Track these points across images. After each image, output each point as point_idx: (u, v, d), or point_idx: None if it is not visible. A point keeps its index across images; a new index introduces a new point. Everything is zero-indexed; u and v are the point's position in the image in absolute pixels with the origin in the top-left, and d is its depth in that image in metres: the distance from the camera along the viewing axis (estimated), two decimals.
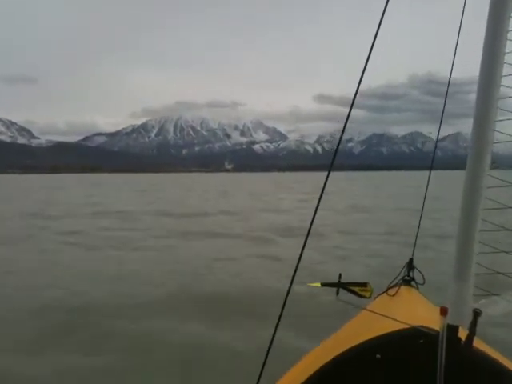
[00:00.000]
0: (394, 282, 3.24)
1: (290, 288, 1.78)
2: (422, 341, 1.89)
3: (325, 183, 1.81)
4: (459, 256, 1.84)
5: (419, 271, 3.46)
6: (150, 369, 5.72)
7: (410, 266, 3.52)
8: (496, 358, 1.95)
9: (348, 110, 2.00)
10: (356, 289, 2.03)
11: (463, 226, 1.84)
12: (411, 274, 3.46)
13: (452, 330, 1.82)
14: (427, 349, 1.84)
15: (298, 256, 1.79)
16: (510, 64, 1.77)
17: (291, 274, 1.74)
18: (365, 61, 2.01)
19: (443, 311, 1.75)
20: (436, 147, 4.11)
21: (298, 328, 6.32)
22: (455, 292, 1.85)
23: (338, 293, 1.96)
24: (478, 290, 1.83)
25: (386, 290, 3.09)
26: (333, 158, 2.02)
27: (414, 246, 3.81)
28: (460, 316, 1.82)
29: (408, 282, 3.39)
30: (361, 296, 2.03)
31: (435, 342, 1.79)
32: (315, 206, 1.74)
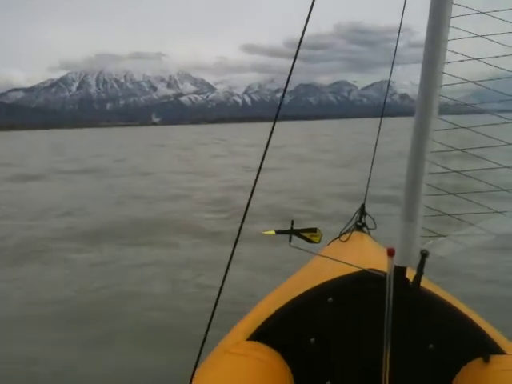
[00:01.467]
0: (347, 228, 3.30)
1: (235, 245, 1.71)
2: (372, 283, 1.91)
3: (269, 137, 1.73)
4: (407, 198, 1.85)
5: (371, 217, 3.55)
6: None
7: (362, 211, 3.60)
8: (443, 297, 2.01)
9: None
10: (307, 235, 2.03)
11: (411, 168, 1.84)
12: (363, 219, 3.54)
13: (400, 271, 1.84)
14: (377, 291, 1.86)
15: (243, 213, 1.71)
16: (459, 5, 1.73)
17: None
18: (308, 11, 1.90)
19: (390, 252, 1.76)
20: (387, 94, 4.10)
21: None
22: (403, 234, 1.86)
23: (290, 239, 1.96)
24: (425, 232, 1.85)
25: (339, 236, 3.15)
26: (277, 110, 1.94)
27: (366, 193, 3.87)
28: (408, 257, 1.85)
29: (360, 227, 3.47)
30: (311, 241, 2.04)
31: (384, 283, 1.81)
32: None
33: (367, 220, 3.53)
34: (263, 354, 1.96)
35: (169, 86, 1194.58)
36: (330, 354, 2.02)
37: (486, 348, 1.92)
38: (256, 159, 1.67)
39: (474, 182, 1.84)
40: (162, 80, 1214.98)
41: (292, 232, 1.98)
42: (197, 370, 1.72)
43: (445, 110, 1.83)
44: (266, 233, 2.03)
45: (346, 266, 2.03)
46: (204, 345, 1.63)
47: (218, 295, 1.66)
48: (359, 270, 1.98)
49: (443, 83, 1.80)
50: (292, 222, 2.01)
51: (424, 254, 1.82)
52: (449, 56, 1.80)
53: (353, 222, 3.44)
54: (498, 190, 1.81)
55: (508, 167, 1.79)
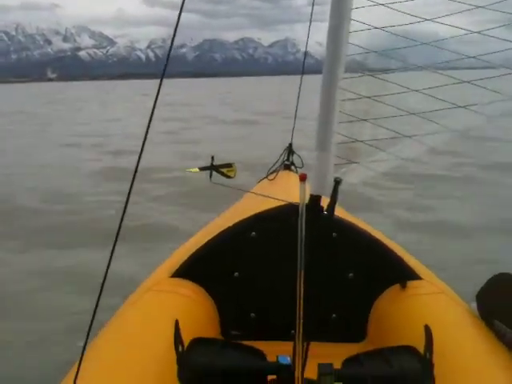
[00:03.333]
0: (274, 168, 3.29)
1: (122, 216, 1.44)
2: (291, 215, 1.91)
3: (157, 94, 1.59)
4: (320, 126, 1.82)
5: (298, 155, 3.55)
6: None
7: (290, 150, 3.59)
8: (357, 224, 2.05)
9: (178, 14, 1.77)
10: (224, 170, 1.99)
11: (323, 95, 1.81)
12: (291, 158, 3.55)
13: (314, 199, 1.83)
14: (296, 222, 1.86)
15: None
16: None
17: None
18: None
19: (302, 177, 1.71)
20: (306, 52, 4.02)
21: None
22: (317, 163, 1.84)
23: (211, 176, 1.93)
24: (339, 160, 1.84)
25: (267, 176, 3.13)
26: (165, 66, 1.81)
27: (293, 131, 3.85)
28: (323, 186, 1.84)
29: (288, 166, 3.47)
30: (227, 176, 2.00)
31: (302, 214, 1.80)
32: None
33: (295, 159, 3.56)
34: (187, 289, 1.94)
35: (65, 39, 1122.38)
36: (253, 287, 2.03)
37: (403, 274, 1.99)
38: None
39: (383, 107, 1.86)
40: (58, 33, 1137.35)
41: (212, 168, 1.95)
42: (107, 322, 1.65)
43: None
44: (189, 170, 2.02)
45: (270, 202, 2.03)
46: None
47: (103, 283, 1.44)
48: (283, 203, 1.98)
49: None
50: (212, 158, 1.97)
51: (337, 182, 1.81)
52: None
53: (280, 161, 3.44)
54: (407, 115, 1.83)
55: (417, 91, 1.81)
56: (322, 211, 1.86)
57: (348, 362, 1.40)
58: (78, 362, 1.23)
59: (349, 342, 2.00)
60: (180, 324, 1.42)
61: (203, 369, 1.26)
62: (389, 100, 1.85)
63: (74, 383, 1.17)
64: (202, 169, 1.98)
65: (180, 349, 1.29)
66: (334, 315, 2.02)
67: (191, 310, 1.85)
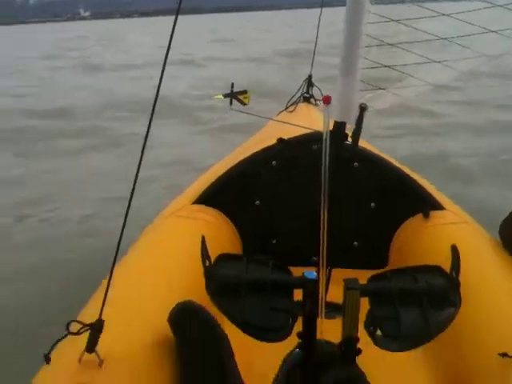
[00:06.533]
0: (294, 100, 3.25)
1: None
2: (313, 144, 1.90)
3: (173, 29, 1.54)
4: (345, 50, 1.77)
5: (318, 88, 3.49)
6: None
7: (309, 83, 3.53)
8: (380, 154, 2.04)
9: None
10: (241, 97, 2.01)
11: (349, 18, 1.74)
12: (310, 91, 3.50)
13: (338, 126, 1.80)
14: (318, 151, 1.85)
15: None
16: None
17: None
18: None
19: (326, 100, 1.64)
20: None
21: None
22: (342, 88, 1.80)
23: (231, 103, 1.95)
24: (365, 86, 1.80)
25: (286, 108, 3.10)
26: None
27: (312, 63, 3.76)
28: (347, 112, 1.80)
29: (307, 99, 3.43)
30: (243, 103, 2.02)
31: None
32: None
33: (315, 91, 3.51)
34: (209, 215, 1.98)
35: None
36: (274, 215, 2.06)
37: (426, 204, 1.99)
38: None
39: (412, 32, 1.78)
40: None
41: (232, 95, 1.97)
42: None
43: None
44: (215, 97, 2.05)
45: (290, 131, 2.04)
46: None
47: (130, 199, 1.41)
48: (305, 133, 1.98)
49: None
50: (232, 85, 1.98)
51: (362, 108, 1.77)
52: None
53: (299, 93, 3.40)
54: (437, 39, 1.76)
55: (447, 15, 1.73)
56: (347, 138, 1.84)
57: (374, 278, 1.42)
58: (107, 279, 1.27)
59: (370, 269, 2.04)
60: None
61: (231, 281, 1.30)
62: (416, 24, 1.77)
63: (104, 299, 1.21)
64: (226, 95, 2.00)
65: (207, 263, 1.33)
66: (355, 242, 2.05)
67: (214, 234, 1.89)
